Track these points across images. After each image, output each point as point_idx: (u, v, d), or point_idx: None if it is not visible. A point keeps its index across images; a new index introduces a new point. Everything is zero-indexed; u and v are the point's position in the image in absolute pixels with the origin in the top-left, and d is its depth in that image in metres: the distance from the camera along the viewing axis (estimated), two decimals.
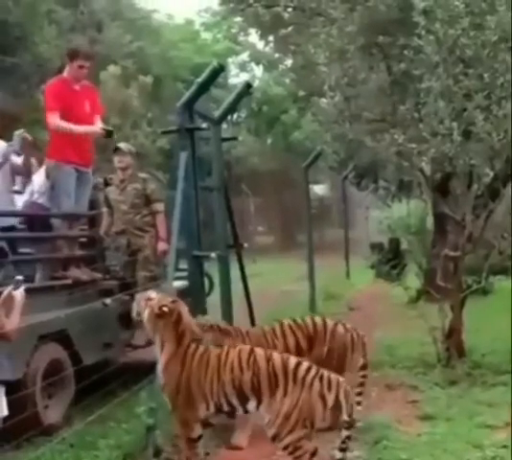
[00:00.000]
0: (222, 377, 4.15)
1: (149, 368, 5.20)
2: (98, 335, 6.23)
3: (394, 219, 9.62)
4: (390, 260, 10.79)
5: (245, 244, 7.60)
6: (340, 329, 4.99)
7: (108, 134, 6.61)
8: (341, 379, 4.08)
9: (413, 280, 9.04)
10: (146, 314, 4.36)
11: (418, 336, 7.63)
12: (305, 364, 4.07)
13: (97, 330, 6.19)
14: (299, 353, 4.79)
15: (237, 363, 4.14)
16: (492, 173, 6.89)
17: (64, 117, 6.39)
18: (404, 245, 13.15)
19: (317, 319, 5.01)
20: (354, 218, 20.33)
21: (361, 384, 5.22)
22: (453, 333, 7.13)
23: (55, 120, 6.38)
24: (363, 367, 5.19)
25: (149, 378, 5.17)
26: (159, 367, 4.36)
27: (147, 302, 4.38)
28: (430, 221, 11.10)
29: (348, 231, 17.23)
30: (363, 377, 5.21)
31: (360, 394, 5.10)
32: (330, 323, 4.98)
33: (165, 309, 4.28)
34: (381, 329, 9.15)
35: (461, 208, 7.07)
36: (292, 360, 4.09)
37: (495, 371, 6.77)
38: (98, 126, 6.60)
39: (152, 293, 4.49)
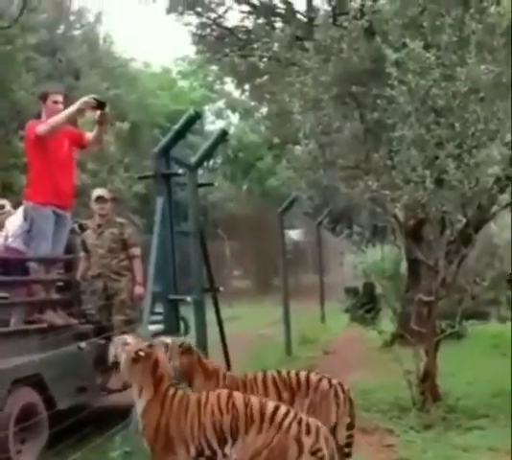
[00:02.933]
0: (203, 420, 4.12)
1: (123, 412, 5.16)
2: (72, 380, 6.17)
3: (369, 264, 9.74)
4: (365, 304, 10.87)
5: (221, 288, 7.63)
6: (324, 384, 4.64)
7: (100, 105, 6.35)
8: (319, 423, 4.01)
9: (388, 324, 9.10)
10: (122, 359, 4.35)
11: (393, 380, 7.65)
12: (283, 408, 4.05)
13: (72, 374, 6.13)
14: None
15: (216, 407, 4.13)
16: (464, 220, 7.04)
17: (44, 156, 6.44)
18: (378, 290, 13.27)
19: (301, 373, 4.73)
20: (329, 262, 20.43)
21: (348, 445, 4.63)
22: (427, 377, 7.16)
23: (41, 127, 6.37)
24: (350, 427, 4.64)
25: (124, 422, 5.13)
26: (138, 412, 4.34)
27: (123, 347, 4.37)
28: (403, 266, 11.25)
29: (323, 275, 17.30)
30: (350, 437, 4.64)
31: (347, 455, 4.63)
32: (314, 377, 4.66)
33: (141, 353, 4.26)
34: (356, 373, 9.15)
35: (434, 253, 7.18)
36: (271, 404, 4.07)
37: (470, 415, 6.81)
38: (86, 97, 6.39)
39: (129, 338, 4.48)
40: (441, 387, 7.23)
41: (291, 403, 4.55)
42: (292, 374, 4.72)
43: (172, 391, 4.27)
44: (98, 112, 6.42)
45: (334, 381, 4.68)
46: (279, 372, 4.77)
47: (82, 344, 6.40)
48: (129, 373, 4.33)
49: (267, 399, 4.35)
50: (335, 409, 4.61)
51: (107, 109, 6.47)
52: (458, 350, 9.78)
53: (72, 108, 6.36)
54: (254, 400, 4.12)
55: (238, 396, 4.16)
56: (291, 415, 3.98)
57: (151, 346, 4.39)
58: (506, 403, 7.17)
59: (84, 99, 6.37)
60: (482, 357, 10.18)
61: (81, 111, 6.44)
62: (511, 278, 9.51)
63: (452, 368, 7.94)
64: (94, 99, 6.34)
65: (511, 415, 6.57)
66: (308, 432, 3.90)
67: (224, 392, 4.24)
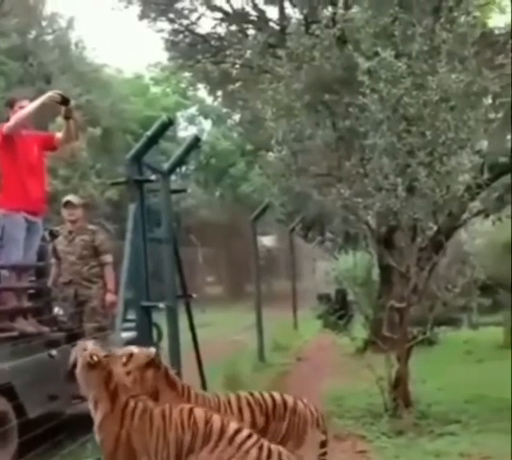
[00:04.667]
0: (168, 435, 4.01)
1: None
2: (44, 387, 6.12)
3: (341, 271, 9.77)
4: (337, 310, 10.90)
5: (194, 295, 7.62)
6: (300, 405, 4.55)
7: (64, 101, 6.33)
8: (284, 450, 3.93)
9: (360, 330, 9.14)
10: (78, 365, 4.20)
11: (365, 387, 7.68)
12: (246, 431, 3.93)
13: (43, 382, 6.08)
14: (253, 428, 4.52)
15: (179, 422, 4.04)
16: (435, 227, 7.11)
17: (14, 162, 6.40)
18: (350, 296, 13.33)
19: (276, 395, 4.58)
20: (301, 269, 20.48)
21: None
22: (399, 384, 7.20)
23: (6, 125, 6.35)
24: (323, 444, 4.67)
25: None
26: (95, 425, 4.18)
27: (82, 352, 4.27)
28: (375, 273, 11.32)
29: (295, 282, 17.35)
30: (323, 454, 4.68)
31: None
32: (289, 400, 4.55)
33: (95, 358, 4.10)
34: (329, 379, 9.19)
35: (406, 260, 7.23)
36: (233, 425, 3.95)
37: (441, 421, 6.85)
38: (50, 92, 6.40)
39: (89, 344, 4.32)
40: (413, 393, 7.27)
41: (266, 427, 4.44)
42: (267, 396, 4.60)
43: (132, 403, 4.11)
44: (63, 107, 6.40)
45: (306, 401, 4.61)
46: (252, 394, 4.64)
47: (54, 352, 6.36)
48: (85, 381, 4.20)
49: (241, 422, 4.25)
50: (311, 429, 4.54)
51: (79, 114, 6.45)
52: (430, 356, 9.86)
53: (36, 102, 6.36)
54: (216, 418, 4.01)
55: (199, 412, 4.03)
56: (253, 439, 3.88)
57: (107, 356, 4.22)
58: (478, 409, 7.24)
59: (49, 93, 6.38)
60: (454, 364, 10.27)
61: (45, 106, 6.38)
62: (482, 285, 9.59)
63: (423, 374, 7.99)
64: (58, 94, 6.32)
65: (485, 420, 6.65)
66: (268, 458, 3.80)
67: (187, 407, 4.08)
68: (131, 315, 6.55)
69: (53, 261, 7.33)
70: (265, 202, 11.97)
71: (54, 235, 7.47)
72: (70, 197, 7.59)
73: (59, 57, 23.20)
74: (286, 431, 4.43)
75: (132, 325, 6.55)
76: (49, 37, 24.28)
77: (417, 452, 5.93)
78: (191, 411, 4.04)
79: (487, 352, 11.72)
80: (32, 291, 6.96)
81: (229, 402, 4.52)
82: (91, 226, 7.66)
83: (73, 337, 6.81)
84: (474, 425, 6.68)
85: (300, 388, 8.65)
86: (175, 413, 4.05)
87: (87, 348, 4.22)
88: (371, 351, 9.12)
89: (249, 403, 4.54)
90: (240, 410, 4.48)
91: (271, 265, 23.61)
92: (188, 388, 4.50)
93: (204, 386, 6.77)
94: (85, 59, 25.45)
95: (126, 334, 6.30)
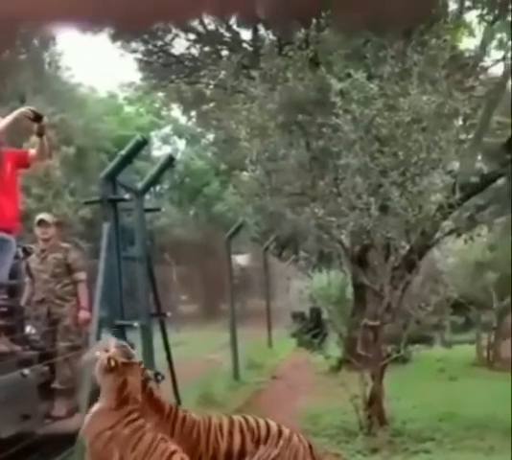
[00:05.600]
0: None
1: (68, 440, 5.09)
2: (16, 407, 6.02)
3: (315, 289, 9.81)
4: (311, 329, 10.91)
5: (169, 313, 7.60)
6: (295, 438, 4.35)
7: (37, 118, 6.16)
8: None
9: (334, 349, 9.17)
10: (97, 365, 4.04)
11: (340, 405, 7.69)
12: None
13: (14, 401, 5.99)
14: (242, 455, 4.41)
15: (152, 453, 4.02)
16: (408, 246, 7.19)
17: None
18: (324, 315, 13.35)
19: (272, 424, 4.39)
20: (275, 287, 20.49)
21: None
22: (374, 402, 7.23)
23: None
24: None
25: (69, 449, 5.05)
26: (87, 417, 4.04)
27: (103, 352, 4.05)
28: (349, 292, 11.39)
29: (270, 300, 17.34)
30: None
31: None
32: (285, 431, 4.36)
33: (112, 363, 3.97)
34: (303, 397, 9.19)
35: (379, 279, 7.28)
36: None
37: (416, 438, 6.88)
38: (23, 108, 6.25)
39: (112, 344, 4.13)
40: (387, 411, 7.30)
41: (254, 452, 4.32)
42: (262, 423, 4.42)
43: (134, 416, 3.99)
44: (36, 124, 6.38)
45: (301, 436, 4.43)
46: (247, 419, 4.44)
47: (26, 371, 6.30)
48: (101, 381, 4.13)
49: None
50: None
51: (53, 133, 6.44)
52: (404, 374, 9.90)
53: (8, 118, 6.26)
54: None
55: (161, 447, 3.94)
56: None
57: (126, 364, 4.04)
58: (451, 427, 7.29)
59: (22, 109, 6.30)
60: (427, 381, 10.33)
61: (19, 124, 6.26)
62: (454, 303, 9.69)
63: (397, 392, 8.03)
64: (31, 110, 6.30)
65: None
66: None
67: (169, 450, 3.96)
68: (105, 334, 6.53)
69: (26, 279, 7.28)
70: (239, 221, 12.01)
71: (27, 252, 7.43)
72: (43, 216, 7.57)
73: (33, 76, 23.15)
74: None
75: None
76: (22, 57, 24.22)
77: None
78: (170, 456, 3.92)
79: (460, 370, 11.83)
80: (4, 310, 6.90)
81: (221, 426, 4.37)
82: (64, 244, 7.63)
83: (46, 356, 6.77)
84: (447, 443, 6.72)
85: (275, 406, 8.65)
86: (158, 452, 3.91)
87: (110, 349, 4.07)
88: (345, 369, 9.15)
89: (242, 429, 4.38)
90: (230, 434, 4.31)
91: (246, 284, 23.59)
92: (175, 410, 4.32)
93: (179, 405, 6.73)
94: (59, 79, 25.41)
95: (100, 353, 6.26)
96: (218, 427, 4.32)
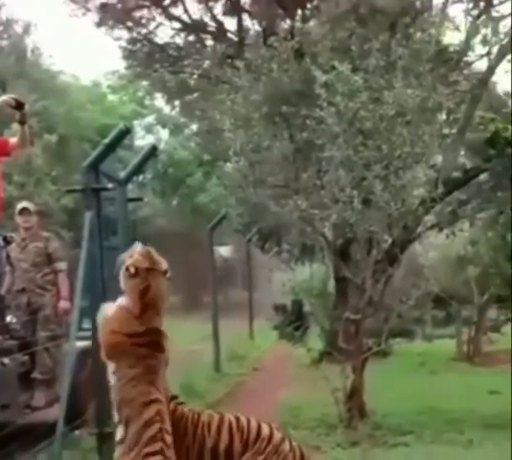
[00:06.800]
0: None
1: (49, 429, 5.06)
2: None
3: (297, 282, 9.81)
4: (293, 321, 10.93)
5: None
6: (286, 445, 4.02)
7: (18, 106, 6.15)
8: None
9: (316, 341, 9.18)
10: (121, 271, 3.86)
11: (320, 397, 7.69)
12: None
13: None
14: (229, 454, 4.28)
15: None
16: (390, 240, 7.20)
17: None
18: (306, 307, 13.40)
19: (264, 427, 4.13)
20: (258, 279, 20.49)
21: None
22: (354, 395, 7.25)
23: None
24: None
25: (49, 439, 5.03)
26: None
27: (128, 259, 3.86)
28: (331, 285, 11.39)
29: (252, 292, 17.35)
30: None
31: None
32: (277, 436, 4.34)
33: (132, 270, 3.80)
34: (284, 390, 9.20)
35: (361, 272, 7.29)
36: None
37: (395, 432, 6.90)
38: (5, 96, 6.26)
39: (138, 248, 3.91)
40: (368, 404, 7.33)
41: (244, 452, 4.20)
42: (254, 424, 4.19)
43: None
44: (18, 112, 6.30)
45: (294, 444, 4.14)
46: (238, 419, 4.21)
47: (6, 360, 6.26)
48: (124, 287, 4.00)
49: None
50: None
51: (35, 120, 6.37)
52: (385, 367, 9.94)
53: None
54: None
55: None
56: None
57: (149, 269, 3.85)
58: (431, 420, 7.33)
59: (3, 97, 6.26)
60: (408, 375, 10.39)
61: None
62: (435, 297, 9.76)
63: (378, 385, 8.05)
64: (13, 98, 6.23)
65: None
66: None
67: None
68: (87, 324, 6.49)
69: (7, 268, 7.22)
70: (222, 212, 11.97)
71: (8, 241, 7.36)
72: (25, 204, 7.50)
73: (15, 63, 22.92)
74: None
75: (87, 334, 6.49)
76: (4, 43, 23.99)
77: None
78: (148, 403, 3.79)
79: (440, 364, 11.91)
80: None
81: (209, 424, 4.18)
82: (45, 233, 7.57)
83: (26, 346, 6.72)
84: (427, 436, 6.74)
85: (256, 398, 8.66)
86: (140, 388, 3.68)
87: (134, 255, 3.87)
88: (327, 362, 9.15)
89: (231, 428, 4.18)
90: (218, 432, 4.11)
91: (228, 276, 23.58)
92: (168, 400, 4.08)
93: None
94: (41, 66, 25.18)
95: (81, 343, 6.23)
96: (206, 424, 4.16)
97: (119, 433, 3.68)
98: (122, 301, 3.81)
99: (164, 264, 3.91)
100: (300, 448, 4.12)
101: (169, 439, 3.61)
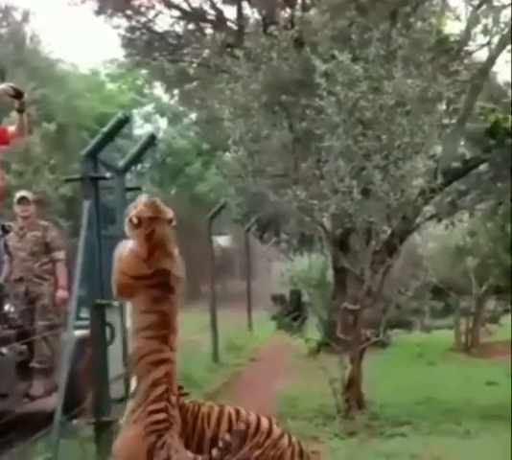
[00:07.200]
0: None
1: (46, 418, 5.06)
2: None
3: (296, 272, 9.79)
4: (291, 312, 10.92)
5: None
6: (285, 440, 4.32)
7: (17, 94, 6.11)
8: None
9: (314, 332, 9.17)
10: (126, 222, 3.89)
11: (318, 388, 7.70)
12: None
13: None
14: (226, 447, 4.24)
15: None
16: (389, 230, 7.18)
17: None
18: (305, 298, 13.39)
19: (264, 421, 4.10)
20: (256, 269, 20.48)
21: None
22: (352, 385, 7.25)
23: None
24: None
25: (46, 428, 5.03)
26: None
27: (132, 210, 3.88)
28: (330, 275, 11.39)
29: (250, 282, 17.34)
30: None
31: None
32: (276, 431, 4.30)
33: (135, 220, 3.81)
34: (282, 380, 9.21)
35: (360, 263, 7.28)
36: None
37: (393, 422, 6.91)
38: (3, 84, 6.19)
39: (143, 199, 3.93)
40: (365, 395, 7.33)
41: (239, 449, 4.17)
42: (253, 418, 4.15)
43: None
44: (17, 101, 6.27)
45: (293, 439, 4.13)
46: (238, 411, 4.18)
47: (4, 349, 6.26)
48: (130, 237, 4.03)
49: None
50: None
51: (33, 108, 6.34)
52: (383, 358, 9.95)
53: None
54: None
55: None
56: None
57: (152, 218, 3.89)
58: (428, 411, 7.35)
59: (2, 86, 6.23)
60: (406, 366, 10.40)
61: None
62: (434, 288, 9.74)
63: (376, 376, 8.06)
64: (12, 87, 6.20)
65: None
66: None
67: None
68: (85, 313, 6.48)
69: (5, 257, 7.20)
70: (221, 202, 11.94)
71: (6, 230, 7.35)
72: (24, 193, 7.47)
73: (14, 50, 22.81)
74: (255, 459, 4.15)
75: (85, 323, 6.48)
76: (3, 31, 23.87)
77: (369, 453, 5.96)
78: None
79: (438, 355, 11.92)
80: None
81: (209, 415, 4.18)
82: (43, 222, 7.55)
83: (24, 335, 6.72)
84: (424, 427, 6.77)
85: (253, 389, 8.67)
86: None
87: (138, 206, 3.89)
88: (325, 352, 9.15)
89: (230, 420, 4.16)
90: (218, 424, 4.11)
91: (226, 266, 23.58)
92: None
93: None
94: (40, 54, 25.06)
95: (78, 332, 6.23)
96: (206, 416, 4.17)
97: (132, 386, 3.78)
98: (133, 243, 3.84)
99: (169, 213, 3.96)
100: (299, 444, 4.11)
101: (174, 399, 3.73)
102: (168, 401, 3.70)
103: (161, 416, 3.67)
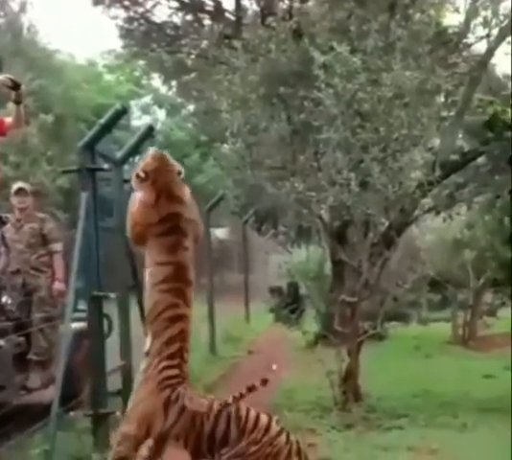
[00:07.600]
0: None
1: (44, 411, 5.06)
2: None
3: (293, 264, 9.79)
4: (289, 304, 10.93)
5: None
6: (282, 438, 4.08)
7: (15, 86, 6.03)
8: None
9: (311, 324, 9.17)
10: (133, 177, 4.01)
11: (316, 380, 7.72)
12: None
13: None
14: (224, 441, 4.19)
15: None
16: (387, 223, 7.17)
17: None
18: (302, 290, 13.39)
19: (263, 417, 4.12)
20: (254, 261, 20.50)
21: None
22: (349, 378, 7.26)
23: None
24: None
25: (44, 420, 5.03)
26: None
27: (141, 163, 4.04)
28: (328, 267, 11.39)
29: (248, 275, 17.34)
30: None
31: None
32: (274, 428, 4.10)
33: (142, 174, 3.90)
34: (279, 372, 9.20)
35: (358, 255, 7.28)
36: None
37: (390, 415, 6.93)
38: (1, 76, 6.06)
39: (151, 153, 4.06)
40: (363, 387, 7.35)
41: (237, 443, 4.13)
42: (252, 414, 4.17)
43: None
44: (14, 92, 6.23)
45: (292, 438, 4.16)
46: (238, 407, 4.18)
47: (1, 341, 6.26)
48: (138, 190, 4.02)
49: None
50: None
51: (30, 99, 6.30)
52: (380, 351, 9.96)
53: None
54: None
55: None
56: None
57: (156, 170, 3.98)
58: (425, 404, 7.36)
59: None
60: (403, 359, 10.42)
61: None
62: (431, 281, 9.74)
63: (373, 369, 8.08)
64: (9, 78, 6.16)
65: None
66: None
67: None
68: (82, 305, 6.46)
69: (2, 249, 7.19)
70: (219, 194, 11.92)
71: (3, 222, 7.33)
72: (21, 185, 7.45)
73: (11, 41, 22.71)
74: (252, 455, 4.11)
75: (83, 315, 6.47)
76: (0, 21, 23.76)
77: (366, 446, 5.97)
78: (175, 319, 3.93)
79: (435, 347, 11.94)
80: None
81: (210, 407, 4.13)
82: (40, 214, 7.54)
83: (21, 327, 6.71)
84: (421, 420, 6.78)
85: (250, 381, 8.63)
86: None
87: (146, 160, 4.01)
88: (322, 345, 9.17)
89: (229, 415, 4.15)
90: (217, 418, 4.10)
91: (224, 258, 23.57)
92: None
93: None
94: (37, 44, 24.95)
95: (76, 325, 6.22)
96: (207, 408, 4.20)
97: (146, 345, 3.85)
98: (141, 194, 3.93)
99: (178, 166, 4.07)
100: (298, 443, 4.14)
101: (187, 356, 3.84)
102: (181, 358, 3.78)
103: (174, 371, 3.74)
